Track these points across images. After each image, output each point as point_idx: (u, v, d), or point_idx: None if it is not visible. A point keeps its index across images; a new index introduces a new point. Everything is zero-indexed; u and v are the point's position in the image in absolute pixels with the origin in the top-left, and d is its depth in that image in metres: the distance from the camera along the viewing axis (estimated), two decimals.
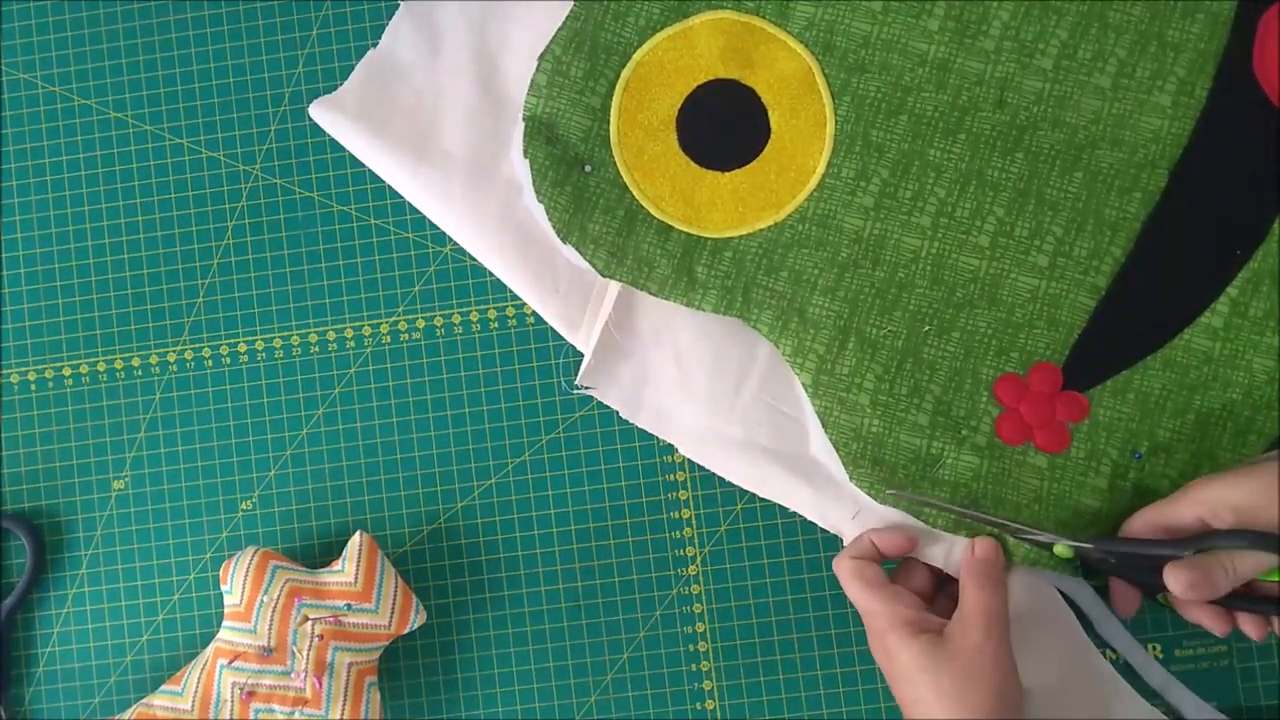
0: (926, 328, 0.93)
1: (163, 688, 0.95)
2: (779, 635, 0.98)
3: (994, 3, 0.94)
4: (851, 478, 0.92)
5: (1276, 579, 0.84)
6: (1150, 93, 0.93)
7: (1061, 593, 0.93)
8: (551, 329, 0.98)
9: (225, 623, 0.94)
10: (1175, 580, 0.82)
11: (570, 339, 0.97)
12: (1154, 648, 0.96)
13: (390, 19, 1.00)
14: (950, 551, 0.92)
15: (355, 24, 1.03)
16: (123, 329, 1.01)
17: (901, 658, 0.85)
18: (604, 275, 0.94)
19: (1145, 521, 0.88)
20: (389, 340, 1.01)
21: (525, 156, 0.95)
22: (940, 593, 0.93)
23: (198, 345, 1.01)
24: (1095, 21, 0.93)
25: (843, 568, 0.90)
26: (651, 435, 0.97)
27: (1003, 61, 0.93)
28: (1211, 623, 0.87)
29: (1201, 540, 0.83)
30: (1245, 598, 0.85)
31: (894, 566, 0.94)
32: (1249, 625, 0.86)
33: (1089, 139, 0.93)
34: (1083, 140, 0.93)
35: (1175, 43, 0.93)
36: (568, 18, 0.96)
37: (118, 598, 1.00)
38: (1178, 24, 0.93)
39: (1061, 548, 0.90)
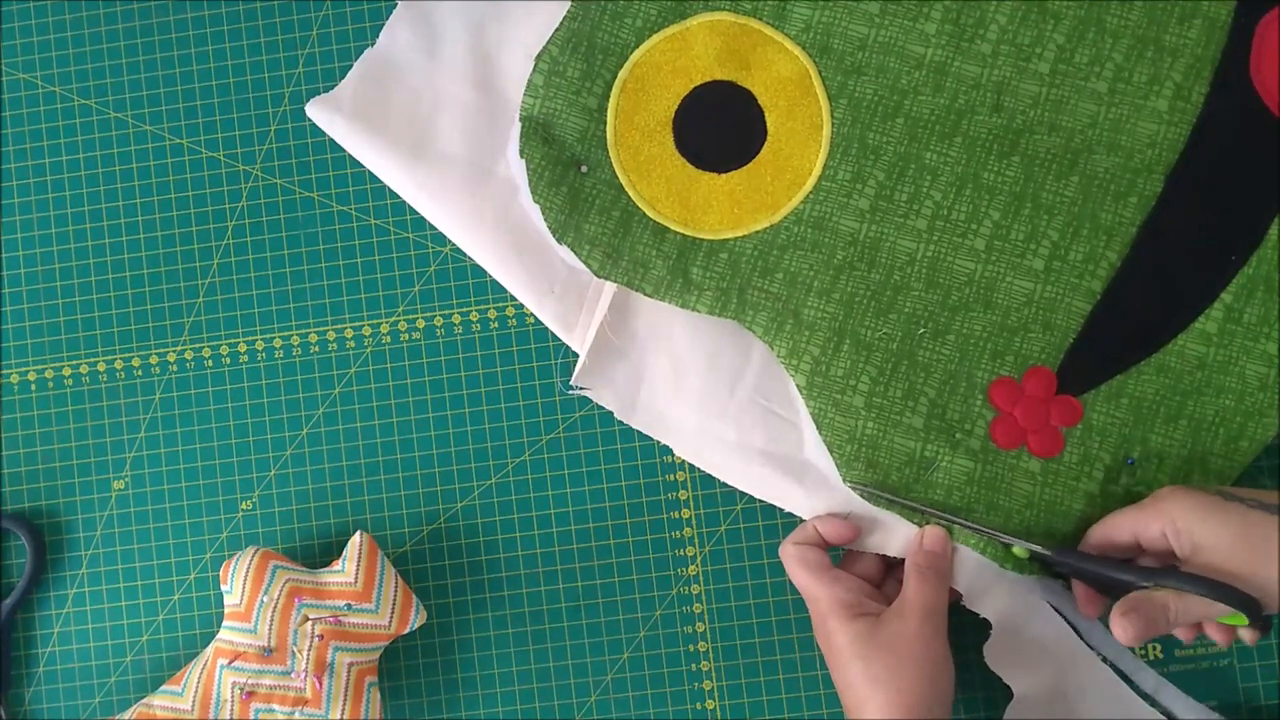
0: (922, 330, 0.93)
1: (163, 688, 0.95)
2: (779, 635, 0.98)
3: (991, 6, 0.94)
4: (846, 479, 0.92)
5: (1230, 621, 0.84)
6: (1147, 98, 0.93)
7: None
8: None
9: (225, 623, 0.94)
10: (1121, 631, 0.82)
11: (566, 340, 0.97)
12: (1154, 648, 0.96)
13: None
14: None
15: (355, 24, 1.03)
16: (123, 329, 1.02)
17: (838, 641, 0.87)
18: (599, 276, 0.94)
19: (1112, 528, 0.88)
20: (389, 340, 1.01)
21: (521, 157, 0.95)
22: (889, 577, 0.94)
23: (198, 345, 1.01)
24: (1092, 26, 0.93)
25: (787, 553, 0.91)
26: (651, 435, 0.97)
27: (999, 65, 0.93)
28: (1178, 634, 0.87)
29: (1156, 574, 0.83)
30: None
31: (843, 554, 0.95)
32: (1214, 633, 0.86)
33: (1085, 143, 0.93)
34: (1079, 144, 0.93)
35: (1172, 48, 0.93)
36: (565, 18, 0.96)
37: (118, 598, 1.00)
38: (1175, 29, 0.93)
39: (1020, 549, 0.90)
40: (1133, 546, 0.88)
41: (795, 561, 0.90)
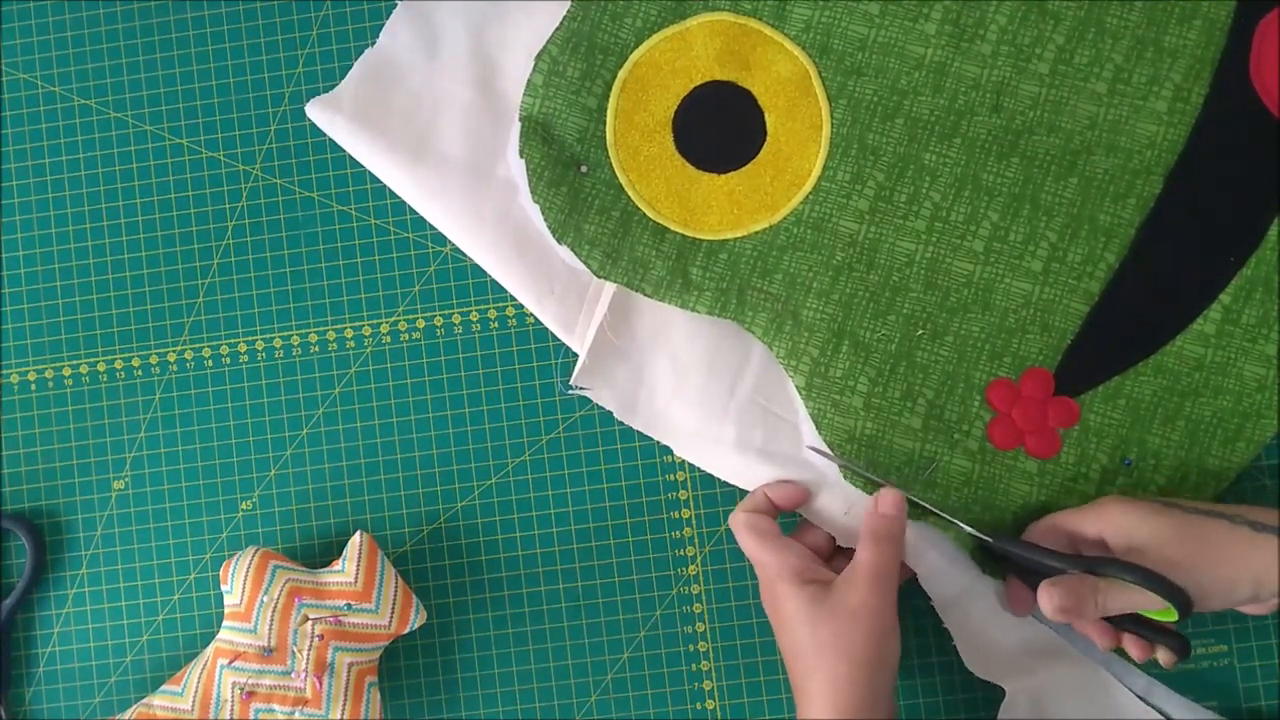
0: (920, 331, 0.93)
1: (163, 688, 0.95)
2: None
3: (991, 7, 0.93)
4: (846, 478, 0.92)
5: (1159, 617, 0.85)
6: (1146, 99, 0.93)
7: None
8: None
9: (225, 623, 0.94)
10: (1046, 601, 0.84)
11: (566, 340, 0.97)
12: None
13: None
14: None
15: (355, 24, 1.03)
16: (123, 329, 1.02)
17: (788, 606, 0.87)
18: (599, 276, 0.95)
19: (1052, 525, 0.89)
20: (389, 340, 1.01)
21: (521, 157, 0.95)
22: (838, 553, 0.94)
23: (198, 345, 1.01)
24: (1092, 26, 0.93)
25: (737, 520, 0.92)
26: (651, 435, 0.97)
27: (999, 66, 0.93)
28: (1094, 636, 0.89)
29: (1091, 562, 0.84)
30: (1134, 620, 0.87)
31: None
32: (1132, 646, 0.88)
33: (1084, 144, 0.93)
34: (1078, 145, 0.93)
35: (1172, 48, 0.92)
36: (565, 18, 0.96)
37: (118, 598, 1.00)
38: (1175, 29, 0.92)
39: (963, 535, 0.91)
40: (1068, 545, 0.89)
41: (744, 529, 0.91)
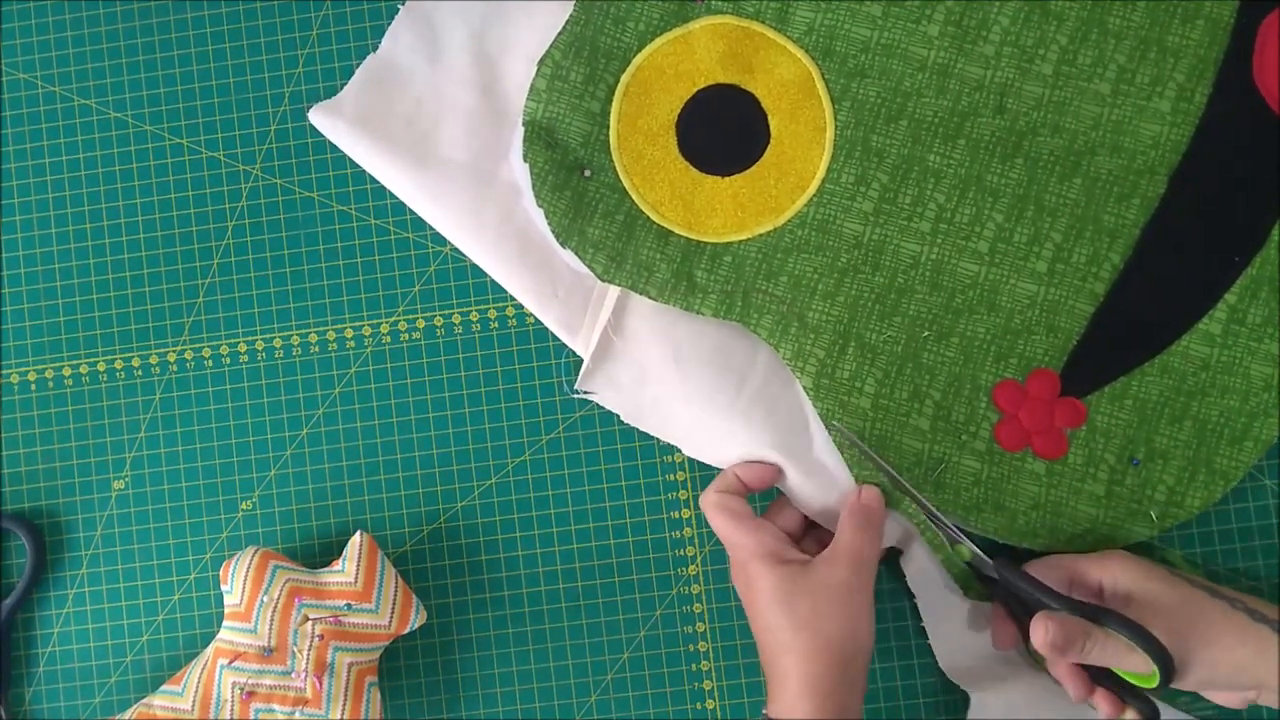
0: (926, 333, 0.93)
1: (163, 688, 0.95)
2: None
3: (994, 8, 0.94)
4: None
5: (1137, 680, 0.86)
6: (1150, 99, 0.93)
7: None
8: None
9: (225, 623, 0.94)
10: (1039, 633, 0.84)
11: (569, 343, 0.97)
12: None
13: (390, 20, 0.99)
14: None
15: (355, 24, 1.03)
16: (123, 329, 1.02)
17: (762, 585, 0.87)
18: (603, 279, 0.95)
19: (1056, 564, 0.90)
20: (389, 340, 1.01)
21: (525, 161, 0.95)
22: (808, 535, 0.95)
23: (198, 345, 1.01)
24: (1095, 27, 0.93)
25: (708, 501, 0.91)
26: (651, 435, 0.97)
27: (1003, 67, 0.93)
28: (1069, 684, 0.88)
29: (1088, 609, 0.84)
30: (1111, 676, 0.87)
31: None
32: (1103, 701, 0.87)
33: (1088, 145, 0.93)
34: (1082, 146, 0.93)
35: (1175, 48, 0.93)
36: (568, 22, 0.96)
37: (118, 598, 1.00)
38: (1177, 30, 0.93)
39: (964, 550, 0.91)
40: (1067, 587, 0.89)
41: (716, 509, 0.90)
